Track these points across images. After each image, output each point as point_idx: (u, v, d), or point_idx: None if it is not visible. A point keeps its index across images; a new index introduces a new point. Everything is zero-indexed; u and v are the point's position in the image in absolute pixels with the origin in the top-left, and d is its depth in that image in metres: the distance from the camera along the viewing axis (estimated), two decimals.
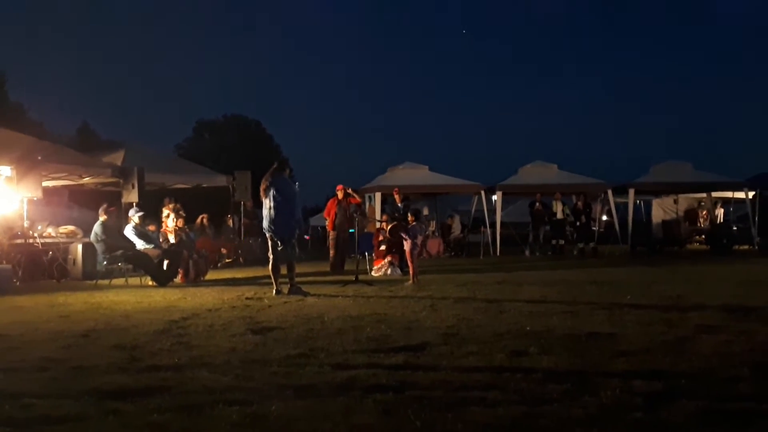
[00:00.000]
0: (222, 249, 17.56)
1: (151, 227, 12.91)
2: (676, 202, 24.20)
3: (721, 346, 5.12)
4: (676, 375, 4.21)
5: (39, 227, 12.97)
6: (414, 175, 21.52)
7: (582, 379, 4.15)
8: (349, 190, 14.67)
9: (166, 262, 11.84)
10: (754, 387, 3.95)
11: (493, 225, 21.16)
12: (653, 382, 4.02)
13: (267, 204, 9.62)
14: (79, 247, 12.69)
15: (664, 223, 22.89)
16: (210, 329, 6.37)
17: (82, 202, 17.66)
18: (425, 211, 21.76)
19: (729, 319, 6.49)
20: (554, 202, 20.84)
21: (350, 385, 4.08)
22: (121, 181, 14.58)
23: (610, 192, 21.63)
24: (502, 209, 22.08)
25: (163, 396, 3.89)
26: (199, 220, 17.27)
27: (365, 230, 15.35)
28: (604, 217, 23.77)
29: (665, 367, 4.46)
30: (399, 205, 14.90)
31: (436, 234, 21.35)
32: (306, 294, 9.27)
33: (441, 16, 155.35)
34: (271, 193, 9.56)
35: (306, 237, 27.67)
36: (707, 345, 5.18)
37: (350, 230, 14.20)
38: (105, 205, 12.08)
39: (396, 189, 15.82)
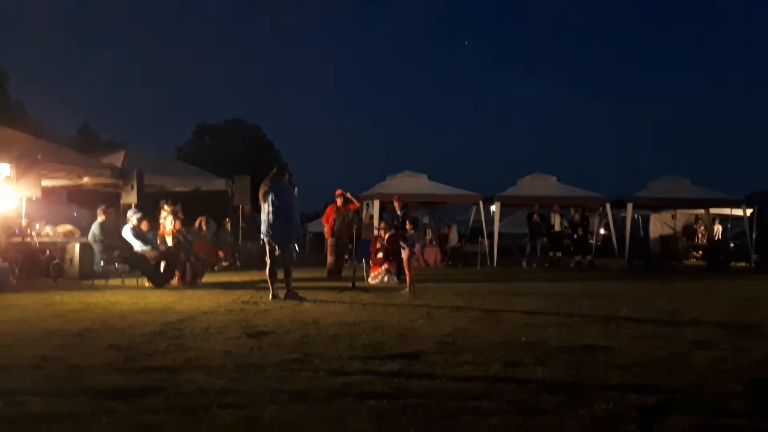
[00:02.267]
0: (219, 252, 17.55)
1: (144, 225, 12.77)
2: (673, 217, 24.27)
3: (715, 362, 5.13)
4: (671, 389, 4.21)
5: (37, 226, 12.97)
6: (413, 183, 21.55)
7: (576, 391, 4.16)
8: (348, 195, 14.68)
9: (162, 264, 11.84)
10: (748, 404, 3.95)
11: (490, 235, 21.16)
12: (647, 396, 4.02)
13: (266, 209, 9.62)
14: (77, 246, 12.70)
15: (662, 238, 22.94)
16: (206, 332, 6.37)
17: (81, 202, 17.66)
18: (425, 220, 21.78)
19: (724, 335, 6.50)
20: (552, 215, 20.86)
21: (345, 391, 4.08)
22: (121, 182, 14.59)
23: (608, 206, 21.68)
24: (501, 220, 22.10)
25: (158, 397, 3.89)
26: (197, 222, 17.26)
27: (362, 237, 15.34)
28: (602, 231, 23.82)
29: (660, 381, 4.46)
30: (398, 213, 14.91)
31: (434, 243, 21.35)
32: (302, 299, 9.26)
33: (443, 26, 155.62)
34: (270, 197, 9.56)
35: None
36: (702, 360, 5.19)
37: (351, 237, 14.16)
38: (104, 206, 12.09)
39: (396, 197, 15.83)
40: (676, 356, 5.38)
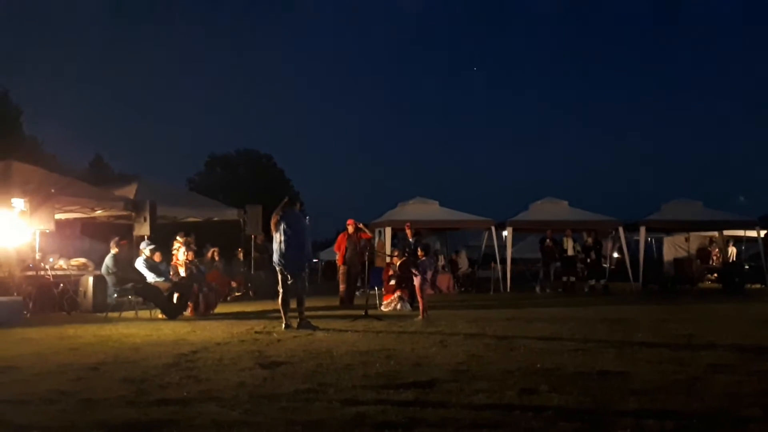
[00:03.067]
0: (232, 282, 17.57)
1: (156, 256, 12.78)
2: (687, 240, 24.15)
3: (732, 386, 5.08)
4: (688, 415, 4.17)
5: (50, 259, 13.04)
6: (424, 210, 21.52)
7: (593, 418, 4.12)
8: (360, 225, 14.71)
9: (176, 296, 11.86)
10: (766, 428, 3.91)
11: (503, 261, 21.10)
12: (664, 422, 3.98)
13: (277, 238, 9.65)
14: (90, 279, 12.74)
15: (676, 261, 22.80)
16: (219, 363, 6.37)
17: (94, 234, 17.75)
18: (437, 246, 21.74)
19: (741, 359, 6.44)
20: (565, 239, 20.78)
21: (359, 421, 4.06)
22: (133, 214, 14.67)
23: (621, 229, 21.58)
24: (513, 245, 22.02)
25: (172, 430, 3.89)
26: (209, 253, 17.31)
27: (374, 265, 15.34)
28: (615, 255, 23.70)
29: (676, 406, 4.42)
30: (410, 240, 14.89)
31: (446, 269, 21.29)
32: (315, 328, 9.25)
33: (451, 52, 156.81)
34: (282, 227, 9.60)
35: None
36: (719, 385, 5.14)
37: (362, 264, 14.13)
38: (116, 238, 12.16)
39: (408, 224, 15.82)
40: (692, 380, 5.33)
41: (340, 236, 15.15)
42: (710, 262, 23.26)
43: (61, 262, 13.27)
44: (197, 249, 14.31)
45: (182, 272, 12.88)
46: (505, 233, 21.40)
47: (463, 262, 22.11)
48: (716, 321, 10.47)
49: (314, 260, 30.83)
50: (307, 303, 9.94)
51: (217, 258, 17.47)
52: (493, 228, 21.43)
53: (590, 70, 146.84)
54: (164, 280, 12.03)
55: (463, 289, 20.72)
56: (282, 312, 9.59)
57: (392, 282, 13.76)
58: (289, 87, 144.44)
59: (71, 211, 14.68)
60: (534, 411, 4.28)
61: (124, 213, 15.21)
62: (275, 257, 9.70)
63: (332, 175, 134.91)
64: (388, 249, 18.24)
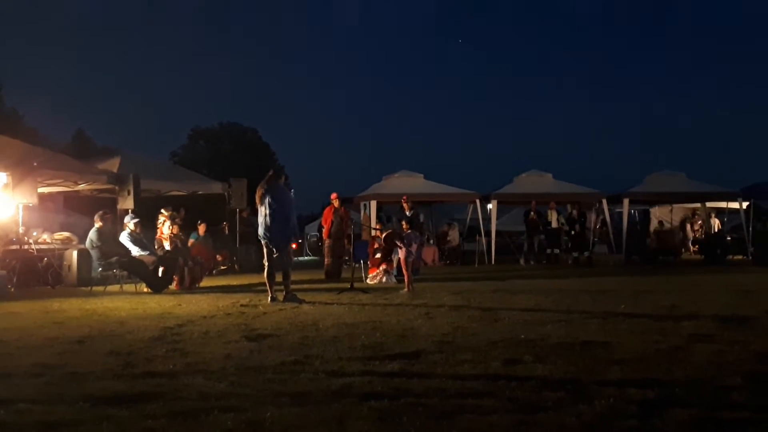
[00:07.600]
0: (217, 256, 17.54)
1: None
2: (671, 212, 24.32)
3: (714, 355, 5.14)
4: (670, 383, 4.22)
5: (34, 233, 12.94)
6: (409, 183, 21.52)
7: (576, 387, 4.17)
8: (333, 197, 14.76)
9: (161, 269, 11.83)
10: (747, 396, 3.96)
11: (488, 234, 21.18)
12: (647, 391, 4.03)
13: (263, 211, 9.63)
14: (74, 253, 12.67)
15: (659, 232, 22.98)
16: (205, 336, 6.37)
17: (78, 208, 17.62)
18: (421, 219, 21.77)
19: (722, 329, 6.51)
20: (549, 211, 20.88)
21: (345, 392, 4.09)
22: (117, 187, 14.56)
23: (604, 201, 21.69)
24: (498, 218, 22.10)
25: (158, 402, 3.89)
26: (203, 228, 17.24)
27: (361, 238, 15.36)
28: (599, 227, 23.84)
29: (659, 375, 4.47)
30: (407, 213, 14.83)
31: (431, 242, 21.35)
32: (301, 301, 9.27)
33: (438, 25, 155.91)
34: (267, 200, 9.57)
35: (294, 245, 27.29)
36: (701, 354, 5.20)
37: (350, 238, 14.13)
38: (101, 212, 12.06)
39: (405, 197, 15.76)
40: (675, 350, 5.39)
41: (326, 210, 15.15)
42: (693, 234, 23.45)
43: (45, 236, 13.18)
44: (184, 224, 14.21)
45: (167, 246, 12.84)
46: (489, 206, 21.47)
47: (454, 236, 22.13)
48: (698, 292, 10.57)
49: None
50: (293, 276, 9.96)
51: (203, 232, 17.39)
52: (477, 201, 21.51)
53: (573, 43, 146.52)
54: (149, 254, 11.98)
55: (448, 261, 20.79)
56: (268, 285, 9.60)
57: (378, 255, 13.79)
58: (273, 60, 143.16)
59: (54, 184, 14.55)
60: (518, 381, 4.32)
61: (108, 187, 15.10)
62: (260, 231, 9.68)
63: (317, 149, 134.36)
64: (373, 222, 18.25)
